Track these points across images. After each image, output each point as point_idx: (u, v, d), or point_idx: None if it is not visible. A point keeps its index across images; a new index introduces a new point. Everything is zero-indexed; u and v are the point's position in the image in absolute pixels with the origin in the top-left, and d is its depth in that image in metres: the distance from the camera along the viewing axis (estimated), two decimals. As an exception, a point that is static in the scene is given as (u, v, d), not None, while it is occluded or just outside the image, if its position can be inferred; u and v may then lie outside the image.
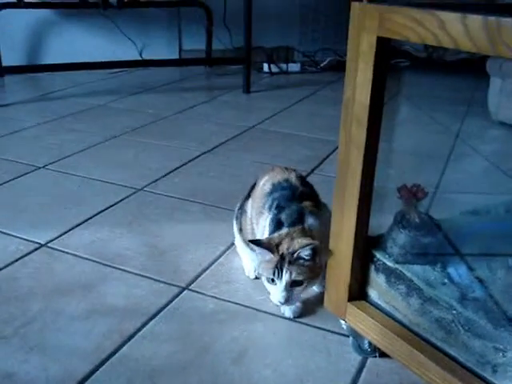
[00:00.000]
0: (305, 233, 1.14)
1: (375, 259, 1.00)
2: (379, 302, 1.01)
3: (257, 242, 1.13)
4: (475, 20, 0.71)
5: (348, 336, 1.12)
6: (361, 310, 1.01)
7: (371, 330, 1.00)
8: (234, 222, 1.40)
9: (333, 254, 1.04)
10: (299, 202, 1.20)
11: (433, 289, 0.91)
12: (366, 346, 1.09)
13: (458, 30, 0.74)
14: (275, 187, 1.25)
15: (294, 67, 3.81)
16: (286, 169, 1.31)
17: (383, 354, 1.08)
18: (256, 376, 1.05)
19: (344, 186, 0.97)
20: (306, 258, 1.09)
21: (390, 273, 0.97)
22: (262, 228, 1.24)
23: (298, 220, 1.16)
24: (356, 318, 1.03)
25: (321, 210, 1.23)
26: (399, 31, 0.82)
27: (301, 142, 2.35)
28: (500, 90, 2.65)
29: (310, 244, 1.08)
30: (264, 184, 1.29)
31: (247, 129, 2.55)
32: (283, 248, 1.10)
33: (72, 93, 3.12)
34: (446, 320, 0.89)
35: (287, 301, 1.10)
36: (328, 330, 1.17)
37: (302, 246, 1.08)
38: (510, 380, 0.81)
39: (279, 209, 1.20)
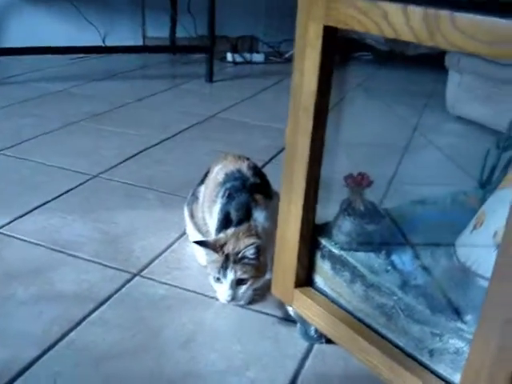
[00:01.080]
0: (250, 231, 1.16)
1: (321, 246, 1.01)
2: (325, 289, 1.03)
3: (202, 243, 1.16)
4: (416, 11, 0.73)
5: (295, 322, 1.13)
6: (307, 296, 1.03)
7: (316, 316, 1.01)
8: (186, 208, 1.40)
9: (280, 241, 1.05)
10: (249, 195, 1.21)
11: (376, 275, 0.93)
12: (313, 332, 1.10)
13: (400, 21, 0.75)
14: (228, 177, 1.26)
15: (258, 57, 3.81)
16: (239, 157, 1.32)
17: (330, 341, 1.10)
18: (203, 360, 1.05)
19: (291, 173, 0.98)
20: (251, 256, 1.12)
21: (335, 260, 0.99)
22: (214, 218, 1.25)
23: (245, 217, 1.18)
24: (302, 304, 1.04)
25: (272, 200, 1.24)
26: (345, 20, 0.83)
27: (261, 132, 2.36)
28: (458, 85, 2.70)
29: (254, 243, 1.11)
30: (217, 173, 1.30)
31: (208, 117, 2.54)
32: (228, 248, 1.13)
33: (31, 78, 3.06)
34: (387, 306, 0.91)
35: (233, 299, 1.13)
36: (277, 317, 1.19)
37: (246, 246, 1.11)
38: (445, 364, 0.84)
39: (228, 202, 1.21)
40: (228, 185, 1.25)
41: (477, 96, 2.61)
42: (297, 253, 1.01)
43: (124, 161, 1.96)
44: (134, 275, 1.30)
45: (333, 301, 1.01)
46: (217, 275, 1.12)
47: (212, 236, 1.24)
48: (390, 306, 0.90)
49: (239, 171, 1.26)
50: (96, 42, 3.55)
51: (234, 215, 1.18)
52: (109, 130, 2.29)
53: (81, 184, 1.75)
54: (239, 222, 1.17)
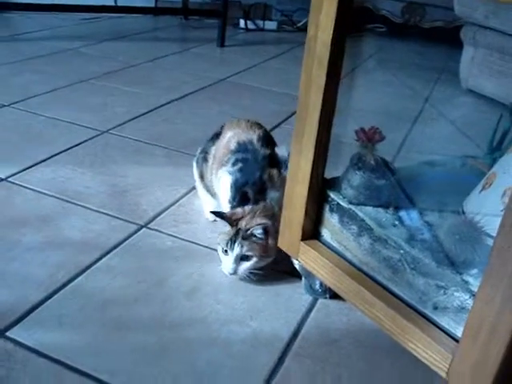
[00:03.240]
0: (267, 211, 1.16)
1: (330, 199, 1.01)
2: (331, 242, 1.03)
3: (218, 214, 1.17)
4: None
5: (300, 277, 1.14)
6: (313, 249, 1.03)
7: (322, 269, 1.02)
8: (195, 165, 1.40)
9: (288, 194, 1.05)
10: (264, 171, 1.21)
11: (383, 229, 0.93)
12: (317, 286, 1.11)
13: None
14: (240, 147, 1.26)
15: (271, 25, 3.77)
16: (252, 125, 1.31)
17: (334, 296, 1.11)
18: (207, 309, 1.07)
19: (303, 126, 0.97)
20: (258, 236, 1.13)
21: (343, 213, 0.99)
22: (221, 184, 1.25)
23: (261, 196, 1.19)
24: (308, 257, 1.05)
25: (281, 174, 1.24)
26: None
27: (270, 97, 2.35)
28: (472, 59, 2.68)
29: (263, 224, 1.12)
30: (229, 140, 1.29)
31: (218, 81, 2.53)
32: (242, 224, 1.14)
33: (42, 36, 3.05)
34: (393, 259, 0.91)
35: (235, 272, 1.13)
36: (282, 272, 1.19)
37: (256, 224, 1.12)
38: (448, 316, 0.84)
39: (242, 177, 1.21)
40: (239, 155, 1.25)
41: (491, 70, 2.58)
42: (305, 206, 1.01)
43: (133, 118, 1.96)
44: (141, 227, 1.31)
45: (339, 254, 1.01)
46: (225, 247, 1.13)
47: (221, 202, 1.25)
48: (396, 260, 0.91)
49: (251, 143, 1.26)
50: (108, 2, 3.52)
51: (250, 193, 1.19)
52: (118, 88, 2.28)
53: (90, 139, 1.76)
54: (255, 201, 1.18)
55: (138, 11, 3.35)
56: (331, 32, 0.88)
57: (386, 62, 3.18)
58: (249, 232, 1.12)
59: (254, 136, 1.27)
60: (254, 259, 1.13)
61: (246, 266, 1.13)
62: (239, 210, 1.17)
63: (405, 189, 1.02)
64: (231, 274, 1.14)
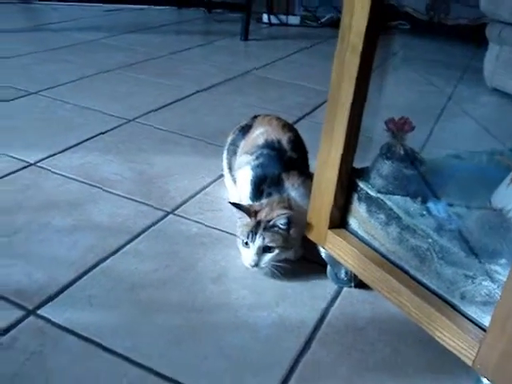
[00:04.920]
0: (284, 203, 1.16)
1: (358, 189, 1.02)
2: (358, 231, 1.04)
3: (237, 206, 1.15)
4: None
5: (326, 266, 1.15)
6: (341, 237, 1.04)
7: (348, 257, 1.03)
8: (225, 154, 1.41)
9: (317, 182, 1.06)
10: (285, 169, 1.21)
11: (411, 218, 0.94)
12: (343, 275, 1.12)
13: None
14: (267, 144, 1.26)
15: (294, 20, 3.78)
16: (284, 126, 1.32)
17: (359, 285, 1.12)
18: (234, 294, 1.08)
19: (334, 115, 0.98)
20: (281, 226, 1.11)
21: (371, 202, 1.00)
22: (242, 177, 1.26)
23: (278, 190, 1.18)
24: (335, 245, 1.06)
25: (307, 179, 1.23)
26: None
27: (294, 90, 2.35)
28: (496, 57, 2.66)
29: (286, 213, 1.10)
30: (258, 136, 1.30)
31: (242, 73, 2.54)
32: (261, 215, 1.13)
33: (66, 27, 3.08)
34: (421, 248, 0.92)
35: (257, 264, 1.12)
36: (310, 261, 1.21)
37: (278, 215, 1.11)
38: (475, 306, 0.85)
39: (263, 172, 1.21)
40: (265, 151, 1.25)
41: (516, 69, 2.57)
42: (333, 194, 1.02)
43: (159, 108, 1.98)
44: (168, 213, 1.33)
45: (366, 243, 1.02)
46: (245, 239, 1.12)
47: (241, 195, 1.25)
48: (424, 249, 0.91)
49: (279, 142, 1.26)
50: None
51: (267, 189, 1.19)
52: (143, 79, 2.31)
53: (117, 127, 1.78)
54: (271, 195, 1.18)
55: (162, 3, 3.38)
56: (366, 21, 0.89)
57: (409, 59, 3.17)
58: (271, 223, 1.11)
59: (284, 136, 1.28)
60: (276, 251, 1.11)
61: (268, 257, 1.12)
62: (256, 203, 1.18)
63: (433, 180, 1.03)
64: (253, 267, 1.12)
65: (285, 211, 1.12)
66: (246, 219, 1.13)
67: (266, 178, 1.20)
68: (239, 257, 1.17)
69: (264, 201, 1.17)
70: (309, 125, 1.92)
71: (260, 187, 1.20)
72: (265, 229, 1.11)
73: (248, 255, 1.12)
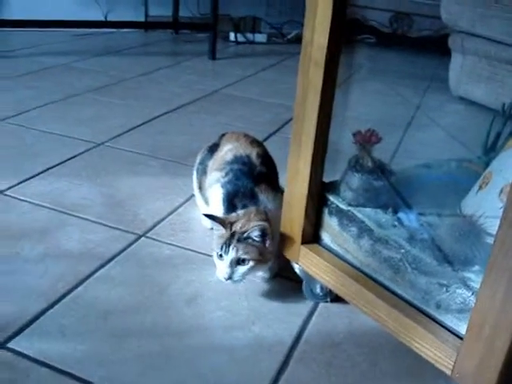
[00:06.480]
0: (261, 214, 1.13)
1: (329, 202, 1.02)
2: (331, 245, 1.04)
3: (212, 217, 1.13)
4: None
5: (301, 282, 1.14)
6: (314, 252, 1.04)
7: (323, 272, 1.02)
8: (195, 174, 1.40)
9: (288, 198, 1.05)
10: (256, 183, 1.20)
11: (383, 229, 0.94)
12: (318, 290, 1.11)
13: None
14: (236, 159, 1.25)
15: (260, 38, 3.81)
16: (252, 142, 1.31)
17: (335, 300, 1.12)
18: (209, 316, 1.07)
19: (301, 129, 0.98)
20: (255, 238, 1.09)
21: (342, 215, 1.00)
22: (214, 196, 1.24)
23: (254, 203, 1.17)
24: (309, 261, 1.05)
25: (277, 193, 1.22)
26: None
27: (263, 107, 2.36)
28: (461, 66, 2.71)
29: (260, 225, 1.08)
30: (226, 153, 1.29)
31: (211, 93, 2.54)
32: (237, 226, 1.10)
33: (32, 52, 3.05)
34: (394, 259, 0.92)
35: (230, 277, 1.09)
36: (284, 277, 1.20)
37: (252, 227, 1.08)
38: (451, 314, 0.85)
39: (236, 186, 1.20)
40: (234, 166, 1.23)
41: (479, 77, 2.61)
42: (304, 210, 1.02)
43: (128, 131, 1.96)
44: (140, 236, 1.31)
45: (339, 256, 1.02)
46: (219, 251, 1.10)
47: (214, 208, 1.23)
48: (397, 260, 0.91)
49: (248, 157, 1.25)
50: (98, 19, 3.53)
51: (240, 201, 1.17)
52: (111, 102, 2.29)
53: (85, 151, 1.76)
54: (245, 206, 1.16)
55: (128, 26, 3.37)
56: (327, 35, 0.89)
57: (376, 71, 3.21)
58: (245, 234, 1.08)
59: (253, 151, 1.27)
60: (251, 263, 1.08)
61: (241, 270, 1.09)
62: (233, 214, 1.15)
63: (403, 190, 1.03)
64: (226, 280, 1.09)
65: (260, 223, 1.09)
66: (222, 231, 1.11)
67: (238, 193, 1.19)
68: (213, 276, 1.15)
69: (240, 211, 1.14)
70: (280, 140, 1.92)
71: (233, 201, 1.18)
72: (239, 240, 1.08)
73: (221, 268, 1.09)
